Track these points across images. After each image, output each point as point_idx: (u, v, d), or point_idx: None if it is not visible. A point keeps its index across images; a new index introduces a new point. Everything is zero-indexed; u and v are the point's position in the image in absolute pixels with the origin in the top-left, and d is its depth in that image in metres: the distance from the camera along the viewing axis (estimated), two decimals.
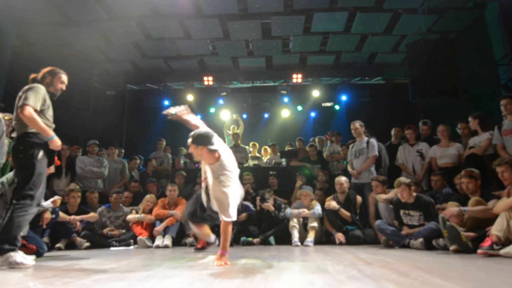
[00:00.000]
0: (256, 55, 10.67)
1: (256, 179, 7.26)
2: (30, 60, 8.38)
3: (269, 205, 5.89)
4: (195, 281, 2.40)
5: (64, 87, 3.85)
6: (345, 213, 5.67)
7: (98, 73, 10.67)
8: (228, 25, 8.92)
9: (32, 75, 3.71)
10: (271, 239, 5.75)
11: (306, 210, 5.79)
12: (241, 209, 6.08)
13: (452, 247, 3.87)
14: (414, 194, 4.83)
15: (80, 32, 8.83)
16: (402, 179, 4.92)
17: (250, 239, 5.72)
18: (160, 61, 10.94)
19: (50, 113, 3.67)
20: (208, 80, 11.18)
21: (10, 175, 4.18)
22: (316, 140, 9.10)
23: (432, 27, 8.82)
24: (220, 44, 10.05)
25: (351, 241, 5.44)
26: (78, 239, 5.44)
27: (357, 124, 6.40)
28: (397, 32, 9.21)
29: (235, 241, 5.68)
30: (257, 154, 9.33)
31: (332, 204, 5.71)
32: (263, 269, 2.92)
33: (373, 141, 6.30)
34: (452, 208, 4.18)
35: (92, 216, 5.66)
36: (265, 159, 9.15)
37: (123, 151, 8.21)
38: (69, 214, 5.47)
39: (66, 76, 3.86)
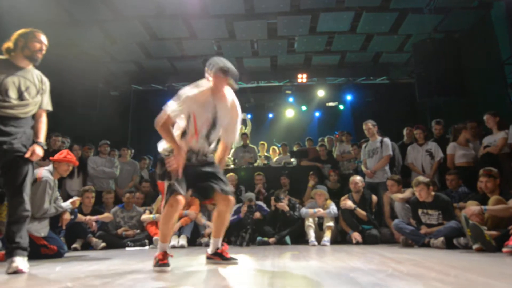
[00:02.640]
0: (261, 55, 10.68)
1: (267, 179, 7.25)
2: None
3: (283, 205, 5.87)
4: (240, 278, 2.40)
5: (43, 47, 3.25)
6: (361, 212, 5.67)
7: (102, 73, 10.62)
8: (234, 25, 8.92)
9: (5, 45, 3.16)
10: (287, 238, 5.74)
11: (321, 210, 5.79)
12: (255, 208, 6.08)
13: (475, 246, 3.88)
14: (433, 193, 4.84)
15: (85, 32, 8.78)
16: (421, 178, 4.92)
17: (265, 238, 5.70)
18: (165, 61, 10.92)
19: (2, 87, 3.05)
20: None
21: None
22: (326, 139, 9.11)
23: (438, 26, 8.86)
24: (225, 44, 10.05)
25: (368, 240, 5.43)
26: (94, 239, 5.41)
27: (369, 124, 6.42)
28: (403, 32, 9.25)
29: (251, 241, 5.69)
30: (266, 154, 9.33)
31: (348, 203, 5.71)
32: (298, 269, 2.92)
33: (387, 140, 6.31)
34: (472, 206, 4.21)
35: (107, 216, 5.63)
36: (274, 159, 9.15)
37: (132, 151, 8.16)
38: (84, 215, 5.43)
39: (44, 36, 3.26)
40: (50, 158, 4.47)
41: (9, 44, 3.15)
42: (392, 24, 8.87)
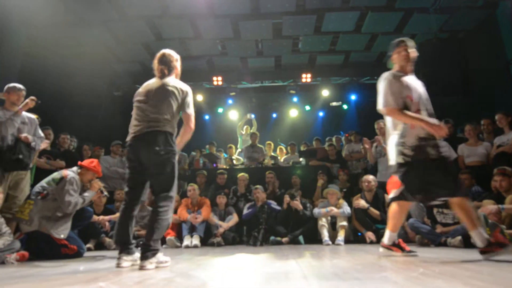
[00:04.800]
0: (265, 55, 10.70)
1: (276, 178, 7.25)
2: (40, 61, 8.27)
3: (298, 203, 5.86)
4: (274, 277, 2.38)
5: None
6: (374, 211, 5.68)
7: (107, 73, 10.59)
8: (239, 25, 8.93)
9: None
10: (300, 238, 5.74)
11: (334, 208, 5.79)
12: (267, 207, 6.07)
13: None
14: None
15: (90, 32, 8.76)
16: None
17: (279, 238, 5.70)
18: None
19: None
20: (217, 80, 11.16)
21: (55, 174, 4.21)
22: (334, 139, 9.13)
23: (443, 26, 8.90)
24: (230, 44, 10.06)
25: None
26: (107, 239, 5.40)
27: (381, 123, 6.41)
28: (408, 32, 9.27)
29: (265, 241, 5.68)
30: (273, 154, 9.33)
31: (361, 203, 5.71)
32: (326, 268, 2.90)
33: None
34: (490, 205, 4.23)
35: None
36: (281, 158, 9.15)
37: None
38: (96, 215, 5.41)
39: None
40: (79, 162, 4.46)
41: None
42: (397, 24, 8.90)
